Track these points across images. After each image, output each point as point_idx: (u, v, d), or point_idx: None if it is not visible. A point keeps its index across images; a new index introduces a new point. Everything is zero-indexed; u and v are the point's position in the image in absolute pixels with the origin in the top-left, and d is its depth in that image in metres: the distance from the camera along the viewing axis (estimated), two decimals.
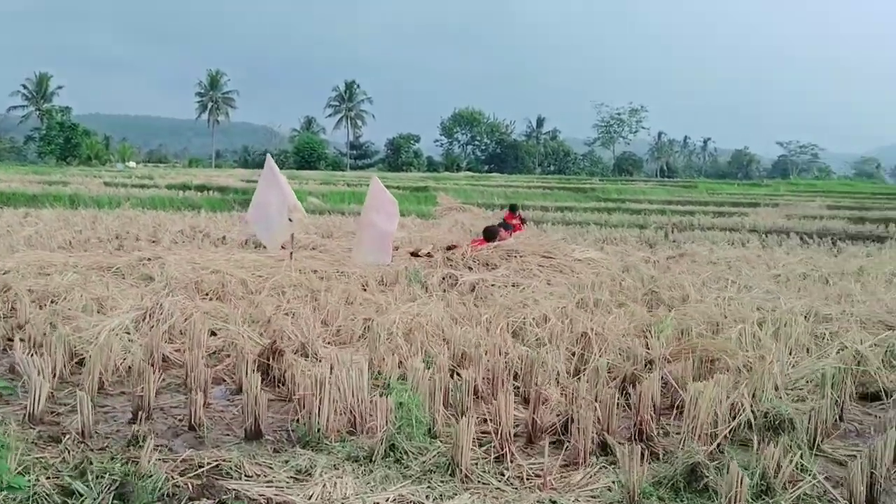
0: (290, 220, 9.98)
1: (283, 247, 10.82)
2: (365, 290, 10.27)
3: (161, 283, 9.71)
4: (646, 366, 5.89)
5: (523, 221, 18.06)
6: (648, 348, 6.40)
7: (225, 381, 5.99)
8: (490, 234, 12.57)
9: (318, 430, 4.44)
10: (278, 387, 5.78)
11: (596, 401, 5.09)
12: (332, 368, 4.63)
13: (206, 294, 9.41)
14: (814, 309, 8.20)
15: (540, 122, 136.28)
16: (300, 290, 9.39)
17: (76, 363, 6.18)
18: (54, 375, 5.67)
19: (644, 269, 11.92)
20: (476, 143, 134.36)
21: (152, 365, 5.97)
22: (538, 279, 10.39)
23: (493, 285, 9.93)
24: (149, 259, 10.83)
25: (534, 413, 4.58)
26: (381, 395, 4.53)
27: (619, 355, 6.15)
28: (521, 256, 11.39)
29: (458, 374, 5.59)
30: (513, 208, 19.03)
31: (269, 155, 10.65)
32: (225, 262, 11.51)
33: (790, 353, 6.08)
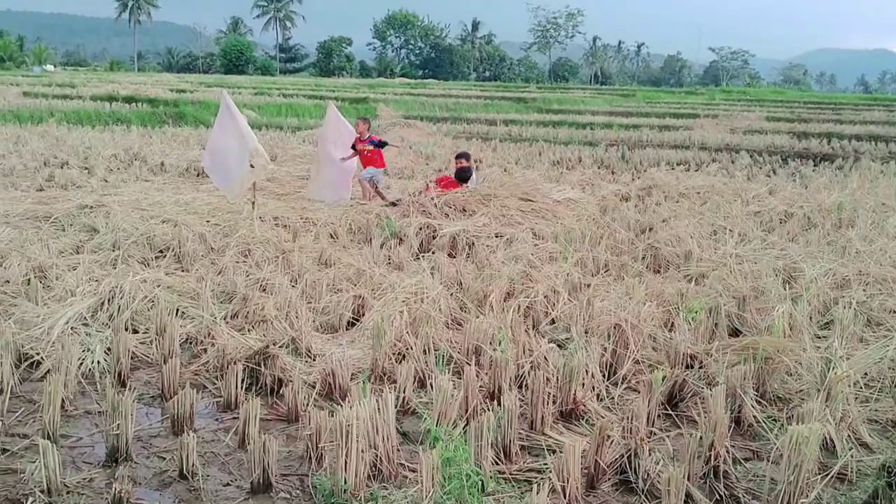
0: (251, 166, 8.90)
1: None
2: (334, 239, 9.41)
3: (108, 237, 8.66)
4: (688, 366, 5.25)
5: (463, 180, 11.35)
6: (672, 331, 5.77)
7: (206, 387, 5.13)
8: (464, 176, 11.40)
9: (345, 490, 3.66)
10: (271, 396, 4.97)
11: (649, 424, 4.45)
12: (352, 406, 3.82)
13: (161, 252, 8.42)
14: (831, 271, 7.68)
15: (475, 25, 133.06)
16: (268, 248, 8.45)
17: (27, 367, 5.24)
18: (2, 391, 4.74)
19: (625, 210, 11.29)
20: (410, 46, 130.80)
21: (119, 375, 5.08)
22: (522, 228, 9.65)
23: (476, 237, 9.16)
24: (90, 207, 9.67)
25: (597, 454, 3.89)
26: (425, 447, 3.74)
27: (654, 350, 5.50)
28: (498, 199, 10.59)
29: (475, 375, 4.87)
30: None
31: (224, 92, 9.45)
32: (174, 206, 10.49)
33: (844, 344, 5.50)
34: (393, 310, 6.13)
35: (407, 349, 5.46)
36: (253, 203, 9.34)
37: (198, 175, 15.93)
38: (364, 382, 4.60)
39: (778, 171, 19.00)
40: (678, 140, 25.75)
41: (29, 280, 6.83)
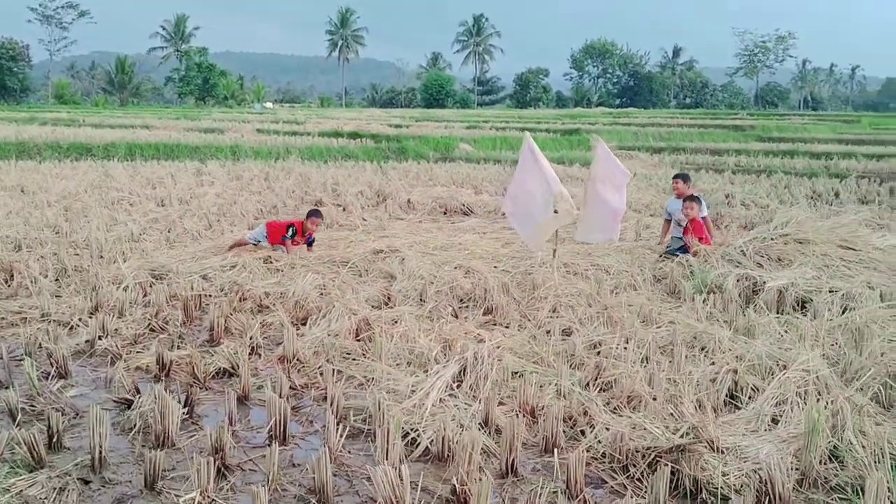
0: (555, 211, 8.29)
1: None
2: (636, 290, 8.64)
3: (406, 284, 8.32)
4: None
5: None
6: None
7: (605, 482, 4.40)
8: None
9: None
10: (690, 501, 4.16)
11: None
12: None
13: (463, 302, 7.94)
14: None
15: (676, 51, 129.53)
16: (580, 301, 7.76)
17: (407, 444, 4.73)
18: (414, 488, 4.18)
19: None
20: (608, 75, 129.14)
21: (512, 464, 4.45)
22: (855, 282, 8.39)
23: (808, 292, 8.03)
24: (383, 252, 9.47)
25: None
26: None
27: None
28: (815, 246, 9.38)
29: None
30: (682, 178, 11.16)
31: (527, 134, 8.94)
32: (458, 250, 10.18)
33: None
34: (785, 391, 5.20)
35: (835, 446, 4.50)
36: (554, 251, 8.72)
37: (444, 213, 15.70)
38: None
39: None
40: None
41: (358, 335, 6.50)
